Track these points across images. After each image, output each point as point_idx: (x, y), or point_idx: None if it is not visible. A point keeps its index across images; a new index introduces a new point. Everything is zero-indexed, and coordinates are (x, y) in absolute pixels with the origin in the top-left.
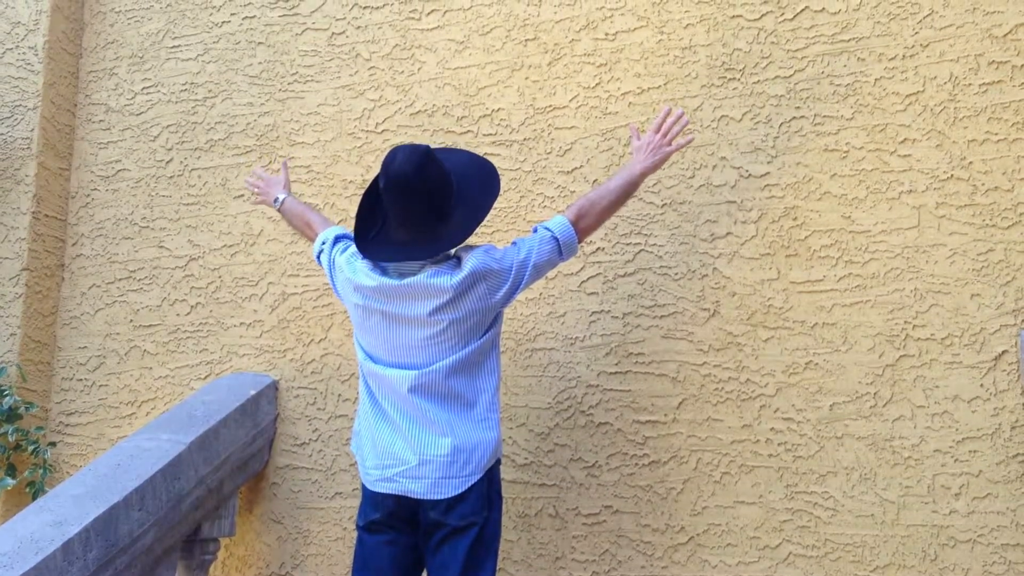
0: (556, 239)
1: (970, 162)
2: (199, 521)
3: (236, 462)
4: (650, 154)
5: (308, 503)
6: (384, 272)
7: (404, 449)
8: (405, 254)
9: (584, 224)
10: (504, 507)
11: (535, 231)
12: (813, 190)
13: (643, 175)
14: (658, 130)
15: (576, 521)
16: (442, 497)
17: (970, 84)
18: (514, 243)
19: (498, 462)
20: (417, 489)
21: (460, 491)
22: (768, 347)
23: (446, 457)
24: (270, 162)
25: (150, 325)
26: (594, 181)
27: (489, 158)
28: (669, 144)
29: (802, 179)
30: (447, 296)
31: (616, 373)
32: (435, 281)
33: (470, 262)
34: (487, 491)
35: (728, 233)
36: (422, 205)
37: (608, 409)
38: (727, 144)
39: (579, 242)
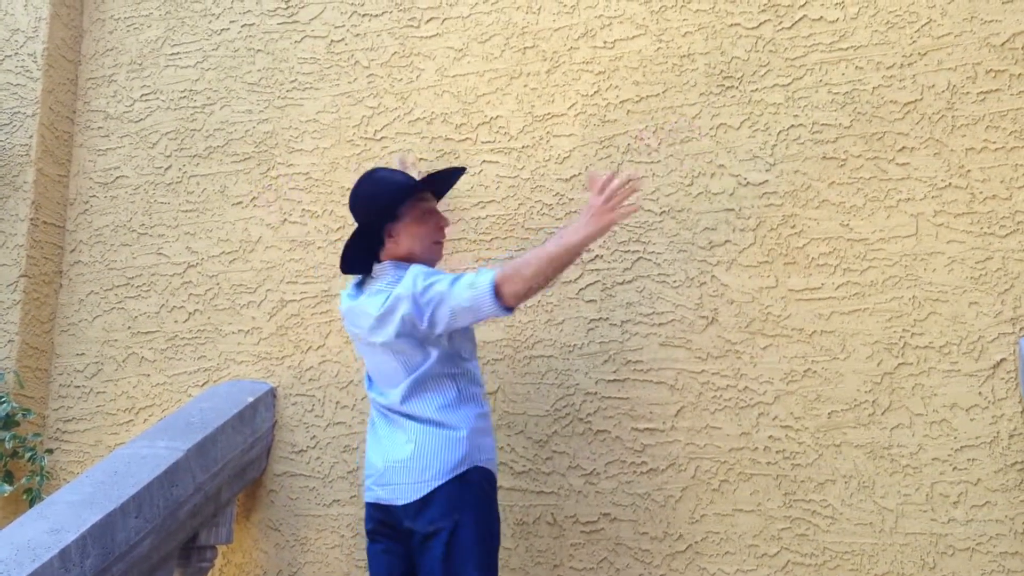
0: (472, 288)
1: (968, 170)
2: (196, 528)
3: (234, 469)
4: (592, 219)
5: (306, 510)
6: (360, 293)
7: (377, 457)
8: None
9: (510, 289)
10: (502, 515)
11: (477, 272)
12: (811, 198)
13: (583, 244)
14: (601, 192)
15: (574, 529)
16: (403, 502)
17: (968, 92)
18: (478, 271)
19: (481, 469)
20: (384, 495)
21: (420, 496)
22: (766, 355)
23: (406, 462)
24: (268, 169)
25: (148, 332)
26: None
27: (488, 165)
28: (612, 211)
29: (800, 187)
30: (372, 321)
31: (614, 380)
32: (369, 302)
33: (397, 287)
34: (458, 495)
35: (726, 241)
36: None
37: (606, 416)
38: (725, 152)
39: (507, 305)
